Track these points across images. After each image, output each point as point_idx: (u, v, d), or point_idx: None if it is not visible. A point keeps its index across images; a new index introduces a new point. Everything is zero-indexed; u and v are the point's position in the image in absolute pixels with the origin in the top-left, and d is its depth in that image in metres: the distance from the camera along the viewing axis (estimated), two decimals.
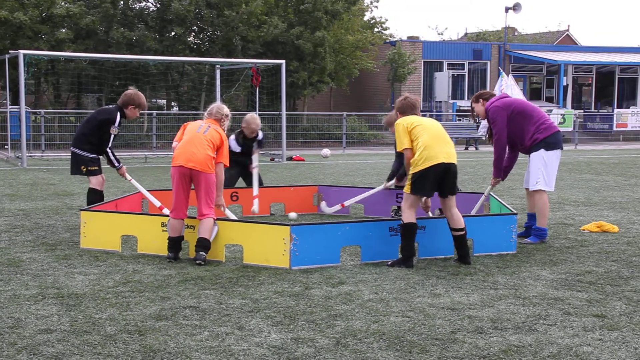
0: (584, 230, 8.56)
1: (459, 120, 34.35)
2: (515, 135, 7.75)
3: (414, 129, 6.65)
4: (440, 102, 37.50)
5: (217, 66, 23.93)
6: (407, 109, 6.93)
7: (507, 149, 7.87)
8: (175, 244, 6.83)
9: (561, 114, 38.17)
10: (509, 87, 31.40)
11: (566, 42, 60.76)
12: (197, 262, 6.57)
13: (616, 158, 23.66)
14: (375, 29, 41.80)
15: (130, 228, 7.22)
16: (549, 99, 43.22)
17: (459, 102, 37.79)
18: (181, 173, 6.79)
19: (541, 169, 7.69)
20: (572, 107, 41.65)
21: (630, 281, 5.96)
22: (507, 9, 40.38)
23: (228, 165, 7.24)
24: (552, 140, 7.72)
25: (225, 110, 7.27)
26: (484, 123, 30.91)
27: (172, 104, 37.36)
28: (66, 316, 4.90)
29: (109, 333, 4.51)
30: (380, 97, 39.57)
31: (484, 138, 30.58)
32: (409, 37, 46.71)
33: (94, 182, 8.27)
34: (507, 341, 4.34)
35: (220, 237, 6.78)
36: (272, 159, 21.93)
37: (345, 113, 28.48)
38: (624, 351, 4.17)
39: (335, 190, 10.21)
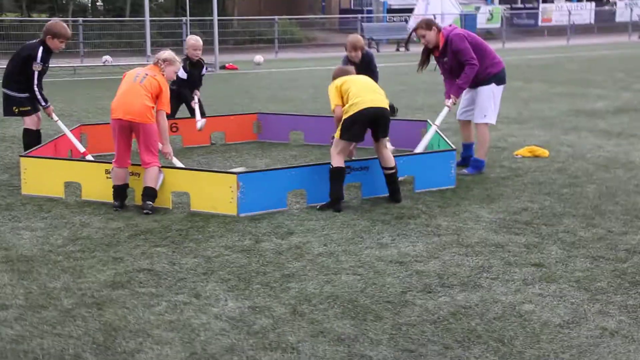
0: (517, 155, 8.84)
1: (390, 20, 34.23)
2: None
3: (343, 84, 6.91)
4: (371, 1, 37.23)
5: None
6: (341, 75, 7.12)
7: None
8: (120, 192, 6.83)
9: (489, 10, 38.39)
10: None
11: None
12: (145, 211, 6.61)
13: (542, 59, 24.09)
14: None
15: (73, 175, 7.17)
16: None
17: (390, 1, 37.56)
18: (120, 126, 6.72)
19: (490, 103, 7.87)
20: (500, 2, 41.85)
21: (563, 219, 6.25)
22: None
23: (170, 112, 7.19)
24: (502, 75, 7.96)
25: (165, 54, 7.14)
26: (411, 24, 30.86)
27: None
28: (19, 287, 4.91)
29: (66, 307, 4.56)
30: None
31: (415, 39, 30.60)
32: None
33: (29, 122, 8.13)
34: (455, 301, 4.55)
35: (167, 185, 6.80)
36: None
37: (276, 17, 28.08)
38: (562, 308, 4.43)
39: (274, 117, 10.23)
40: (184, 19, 24.76)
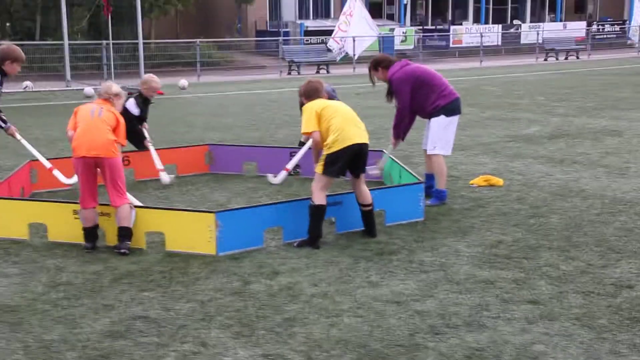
0: (473, 185, 9.01)
1: (307, 42, 34.41)
2: (417, 103, 7.99)
3: (323, 110, 6.79)
4: (287, 22, 37.37)
5: None
6: (313, 93, 7.03)
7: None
8: (91, 233, 6.64)
9: (403, 32, 39.12)
10: (356, 9, 31.74)
11: None
12: (122, 251, 6.45)
13: (462, 81, 24.68)
14: None
15: (39, 216, 6.93)
16: (390, 17, 44.08)
17: (306, 23, 37.80)
18: (85, 164, 6.55)
19: (440, 134, 8.02)
20: (411, 24, 42.71)
21: (540, 252, 6.39)
22: None
23: (125, 144, 7.05)
24: (452, 107, 8.06)
25: (114, 88, 7.00)
26: (335, 46, 31.10)
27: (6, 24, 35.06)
28: (14, 340, 4.72)
29: None
30: (227, 17, 38.92)
31: (337, 59, 30.91)
32: None
33: None
34: (466, 343, 4.60)
35: (141, 224, 6.65)
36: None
37: (198, 40, 27.90)
38: (573, 348, 4.52)
39: (225, 149, 10.14)
40: (104, 42, 24.29)
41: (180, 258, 6.35)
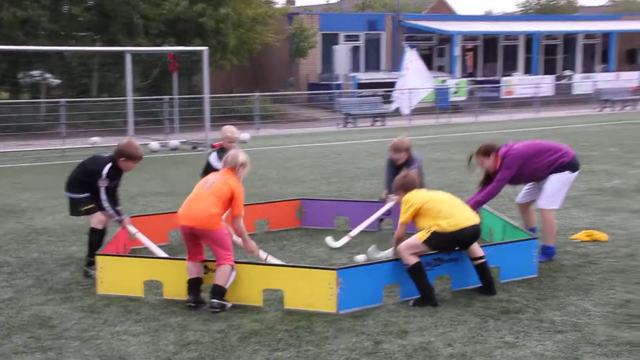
0: (575, 240, 8.81)
1: (361, 95, 34.53)
2: (538, 171, 7.87)
3: (426, 205, 6.78)
4: (338, 75, 37.46)
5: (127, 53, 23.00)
6: (409, 186, 7.03)
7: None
8: (192, 286, 6.59)
9: (455, 84, 39.09)
10: (412, 62, 31.86)
11: (441, 7, 61.94)
12: (212, 309, 6.39)
13: (525, 132, 24.45)
14: None
15: (154, 273, 6.90)
16: (440, 68, 44.14)
17: (359, 75, 38.03)
18: (184, 232, 6.63)
19: (559, 190, 7.89)
20: (462, 76, 42.70)
21: None
22: None
23: (242, 214, 6.91)
24: (574, 163, 7.96)
25: (241, 158, 6.91)
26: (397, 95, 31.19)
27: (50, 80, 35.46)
28: None
29: None
30: (280, 71, 39.35)
31: (391, 110, 31.00)
32: (295, 5, 46.48)
33: (94, 221, 7.80)
34: None
35: (259, 282, 6.57)
36: (194, 147, 21.41)
37: (256, 94, 28.15)
38: None
39: (318, 203, 10.08)
40: (166, 97, 24.62)
41: (301, 316, 6.24)
